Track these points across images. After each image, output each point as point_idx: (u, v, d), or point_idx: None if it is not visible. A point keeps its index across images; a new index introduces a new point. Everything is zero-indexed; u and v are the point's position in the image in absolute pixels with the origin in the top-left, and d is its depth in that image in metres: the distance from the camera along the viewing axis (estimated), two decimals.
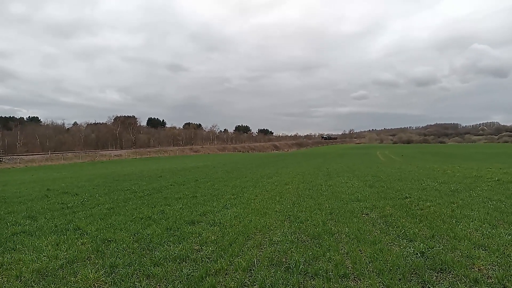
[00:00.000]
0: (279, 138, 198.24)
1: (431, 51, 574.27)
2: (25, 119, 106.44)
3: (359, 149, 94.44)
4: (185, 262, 4.71)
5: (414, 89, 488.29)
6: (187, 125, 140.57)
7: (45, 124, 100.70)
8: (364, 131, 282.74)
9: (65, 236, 6.06)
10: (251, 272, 4.32)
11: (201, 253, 5.03)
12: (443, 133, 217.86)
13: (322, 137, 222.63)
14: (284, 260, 4.69)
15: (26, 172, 32.60)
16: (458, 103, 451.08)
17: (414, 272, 4.16)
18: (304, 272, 4.26)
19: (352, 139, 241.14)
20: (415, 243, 5.22)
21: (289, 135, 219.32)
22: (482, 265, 4.30)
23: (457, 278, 3.98)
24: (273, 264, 4.55)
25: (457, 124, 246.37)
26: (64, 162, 53.63)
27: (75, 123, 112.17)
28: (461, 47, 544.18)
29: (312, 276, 4.15)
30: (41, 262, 4.76)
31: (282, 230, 6.23)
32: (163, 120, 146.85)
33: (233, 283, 4.00)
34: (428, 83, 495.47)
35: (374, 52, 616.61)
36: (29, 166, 45.28)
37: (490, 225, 6.17)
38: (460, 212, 7.27)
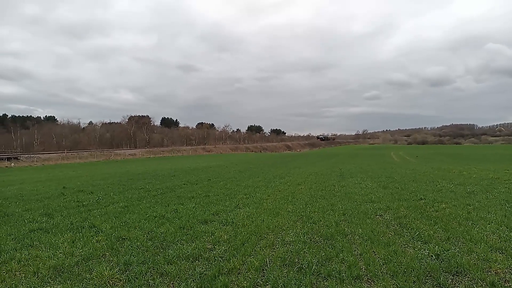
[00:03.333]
0: (292, 138, 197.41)
1: (444, 51, 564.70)
2: (41, 118, 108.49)
3: (373, 150, 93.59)
4: (198, 260, 4.74)
5: (428, 90, 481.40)
6: (200, 125, 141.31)
7: (61, 123, 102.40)
8: (378, 132, 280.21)
9: (80, 234, 6.16)
10: (264, 272, 4.32)
11: (214, 252, 5.05)
12: (459, 134, 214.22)
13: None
14: (296, 260, 4.68)
15: (42, 170, 33.27)
16: (473, 103, 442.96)
17: (429, 275, 4.11)
18: (317, 272, 4.24)
19: (366, 140, 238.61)
20: (430, 245, 5.15)
21: (301, 135, 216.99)
22: (499, 268, 4.22)
23: (473, 281, 3.91)
24: (285, 264, 4.54)
25: (473, 125, 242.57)
26: (79, 160, 54.53)
27: (90, 123, 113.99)
28: (475, 46, 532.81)
29: (325, 277, 4.13)
30: (57, 258, 4.85)
31: (294, 230, 6.22)
32: (176, 120, 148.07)
33: (246, 282, 4.00)
34: (441, 84, 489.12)
35: (385, 52, 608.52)
36: (45, 165, 46.19)
37: (507, 228, 6.04)
38: (477, 215, 7.14)
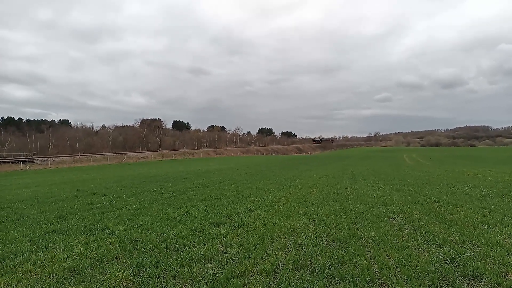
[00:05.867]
0: (303, 140, 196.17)
1: (456, 52, 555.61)
2: (56, 122, 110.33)
3: (385, 152, 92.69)
4: (210, 263, 4.75)
5: (440, 91, 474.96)
6: (211, 127, 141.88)
7: (75, 127, 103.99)
8: (390, 134, 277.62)
9: (94, 236, 6.24)
10: (276, 275, 4.31)
11: (226, 255, 5.06)
12: (473, 135, 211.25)
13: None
14: (309, 263, 4.65)
15: (57, 173, 33.75)
16: (487, 105, 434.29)
17: (444, 279, 4.05)
18: (330, 276, 4.22)
19: (378, 142, 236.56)
20: (444, 248, 5.08)
21: (312, 137, 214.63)
22: None
23: (489, 286, 3.85)
24: (298, 267, 4.52)
25: (487, 126, 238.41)
26: (93, 163, 55.16)
27: (103, 126, 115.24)
28: (488, 47, 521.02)
29: (338, 280, 4.10)
30: (72, 260, 4.91)
31: (306, 233, 6.19)
32: (187, 123, 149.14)
33: (258, 285, 4.00)
34: (454, 85, 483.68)
35: (396, 53, 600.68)
36: (59, 168, 46.84)
37: None
38: (492, 218, 7.02)
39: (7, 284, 4.15)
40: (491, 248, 5.05)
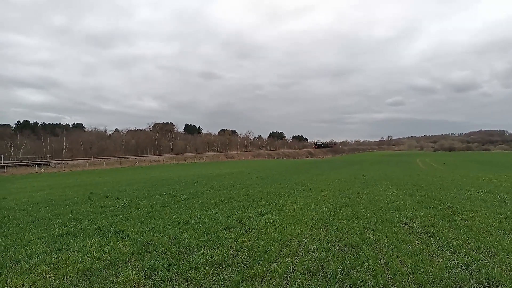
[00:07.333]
0: (314, 144, 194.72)
1: (469, 55, 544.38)
2: (70, 125, 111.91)
3: (398, 157, 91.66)
4: (222, 267, 4.76)
5: (453, 95, 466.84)
6: (222, 131, 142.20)
7: (88, 130, 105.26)
8: (403, 138, 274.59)
9: (107, 238, 6.31)
10: (287, 280, 4.29)
11: (237, 259, 5.06)
12: (488, 140, 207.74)
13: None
14: (321, 268, 4.62)
15: (70, 176, 34.21)
16: (502, 109, 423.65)
17: (458, 286, 3.98)
18: (342, 281, 4.18)
19: (390, 146, 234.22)
20: (459, 255, 5.00)
21: (324, 142, 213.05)
22: None
23: None
24: (309, 272, 4.50)
25: (503, 130, 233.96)
26: (106, 167, 55.72)
27: (116, 130, 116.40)
28: (502, 50, 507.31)
29: (350, 286, 4.07)
30: (85, 262, 4.97)
31: (318, 238, 6.16)
32: (199, 126, 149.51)
33: None
34: (467, 89, 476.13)
35: (408, 56, 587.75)
36: (73, 171, 47.44)
37: None
38: (508, 224, 6.89)
39: (23, 285, 4.22)
40: (507, 255, 4.95)
